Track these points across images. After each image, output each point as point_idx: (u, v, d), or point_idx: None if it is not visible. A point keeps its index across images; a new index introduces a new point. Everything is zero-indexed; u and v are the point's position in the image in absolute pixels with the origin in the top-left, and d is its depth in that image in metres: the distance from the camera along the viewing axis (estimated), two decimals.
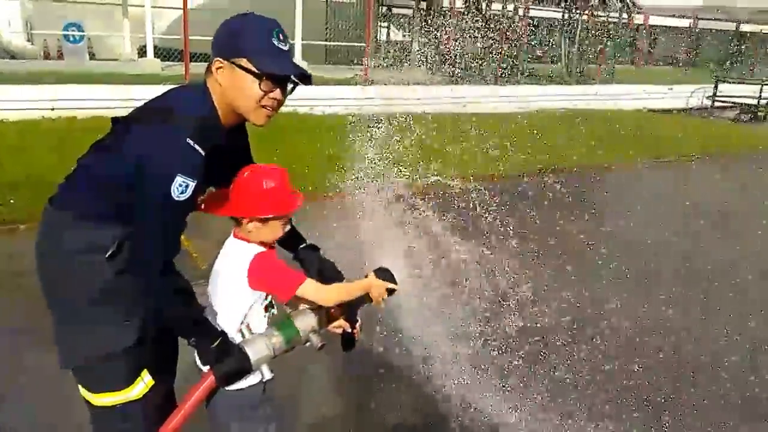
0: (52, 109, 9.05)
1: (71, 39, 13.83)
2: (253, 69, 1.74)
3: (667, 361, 3.84)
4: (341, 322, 2.07)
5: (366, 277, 2.04)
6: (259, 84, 1.75)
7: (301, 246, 2.19)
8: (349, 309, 2.05)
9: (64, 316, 1.83)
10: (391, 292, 2.03)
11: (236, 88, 1.76)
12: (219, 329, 1.86)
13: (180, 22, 11.49)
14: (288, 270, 1.91)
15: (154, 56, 12.66)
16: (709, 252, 6.03)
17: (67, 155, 1.86)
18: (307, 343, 1.98)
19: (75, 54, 13.72)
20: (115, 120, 1.82)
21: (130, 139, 1.72)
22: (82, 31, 13.86)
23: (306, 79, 1.83)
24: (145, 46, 12.75)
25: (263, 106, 1.80)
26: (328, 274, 2.12)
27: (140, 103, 1.83)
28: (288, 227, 2.05)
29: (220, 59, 1.76)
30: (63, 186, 1.82)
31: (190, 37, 10.95)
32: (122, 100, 8.81)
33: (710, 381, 3.67)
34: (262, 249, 1.91)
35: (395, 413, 3.26)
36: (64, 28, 13.67)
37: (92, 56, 14.47)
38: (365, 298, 2.02)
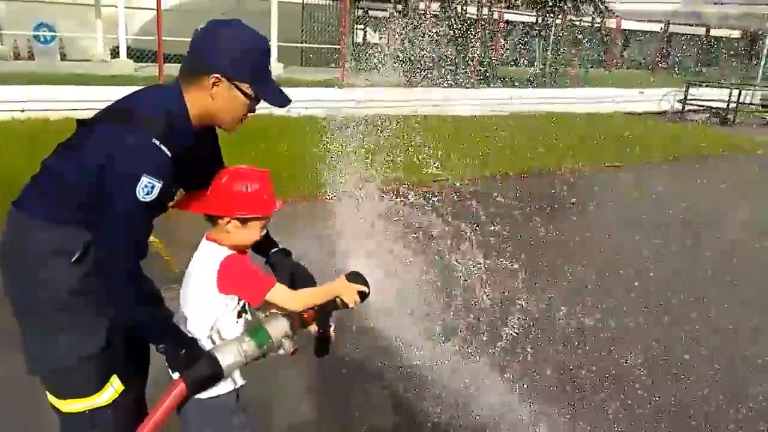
0: (23, 111, 8.88)
1: (42, 39, 13.61)
2: (252, 95, 1.81)
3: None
4: (314, 327, 2.04)
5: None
6: (250, 104, 1.84)
7: (273, 250, 2.18)
8: (321, 314, 2.02)
9: (29, 321, 1.80)
10: (363, 295, 2.02)
11: (229, 105, 1.81)
12: (188, 335, 1.84)
13: (154, 22, 11.36)
14: (258, 274, 1.89)
15: (127, 57, 12.51)
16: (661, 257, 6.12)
17: (37, 157, 1.82)
18: (281, 350, 1.96)
19: (46, 54, 13.51)
20: (80, 121, 1.80)
21: (94, 139, 1.70)
22: (54, 32, 13.66)
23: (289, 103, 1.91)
24: (118, 47, 12.60)
25: (241, 120, 1.89)
26: (300, 279, 2.10)
27: None
28: (264, 231, 2.04)
29: (219, 76, 1.76)
30: (28, 187, 1.79)
31: (164, 38, 10.86)
32: (94, 101, 8.60)
33: None
34: (232, 252, 1.88)
35: (372, 418, 3.24)
36: (34, 28, 13.45)
37: (64, 57, 14.24)
38: (338, 304, 2.00)
